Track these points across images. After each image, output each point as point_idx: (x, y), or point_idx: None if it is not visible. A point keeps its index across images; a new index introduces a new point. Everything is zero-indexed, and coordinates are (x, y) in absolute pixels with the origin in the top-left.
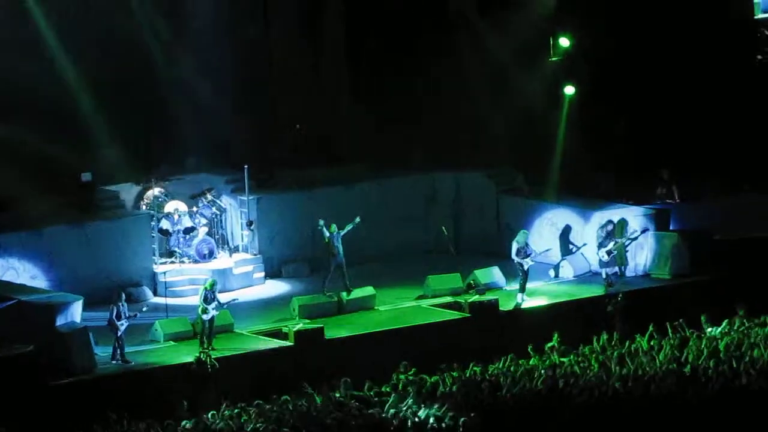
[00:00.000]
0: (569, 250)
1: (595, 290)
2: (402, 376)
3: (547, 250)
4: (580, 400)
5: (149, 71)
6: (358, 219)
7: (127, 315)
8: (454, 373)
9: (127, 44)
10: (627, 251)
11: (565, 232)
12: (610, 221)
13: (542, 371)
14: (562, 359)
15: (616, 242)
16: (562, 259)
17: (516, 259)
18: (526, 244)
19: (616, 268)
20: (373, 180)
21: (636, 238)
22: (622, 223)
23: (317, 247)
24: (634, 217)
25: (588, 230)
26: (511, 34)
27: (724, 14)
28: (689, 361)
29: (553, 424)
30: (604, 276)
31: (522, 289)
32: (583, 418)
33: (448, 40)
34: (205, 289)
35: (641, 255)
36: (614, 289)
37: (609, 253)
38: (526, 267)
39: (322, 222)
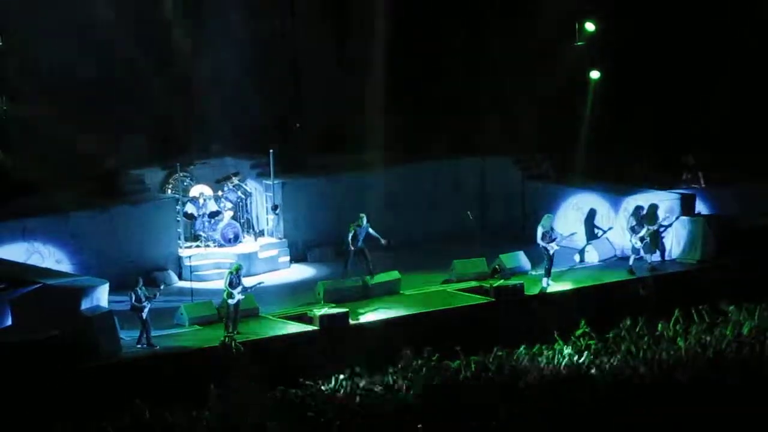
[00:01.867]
0: (594, 234)
1: (621, 275)
2: (425, 360)
3: (572, 234)
4: (604, 385)
5: (175, 57)
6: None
7: (146, 297)
8: (476, 358)
9: (153, 30)
10: (663, 237)
11: (590, 216)
12: (639, 207)
13: (566, 355)
14: (589, 342)
15: (648, 229)
16: (588, 244)
17: (541, 243)
18: (552, 229)
19: (652, 254)
20: (398, 165)
21: (671, 224)
22: (653, 209)
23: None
24: (661, 201)
25: (613, 215)
26: (537, 19)
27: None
28: (712, 345)
29: (576, 408)
30: (631, 262)
31: (547, 274)
32: (606, 402)
33: (475, 26)
34: (231, 273)
35: (667, 240)
36: (641, 274)
37: (642, 239)
38: (551, 251)
39: (364, 217)
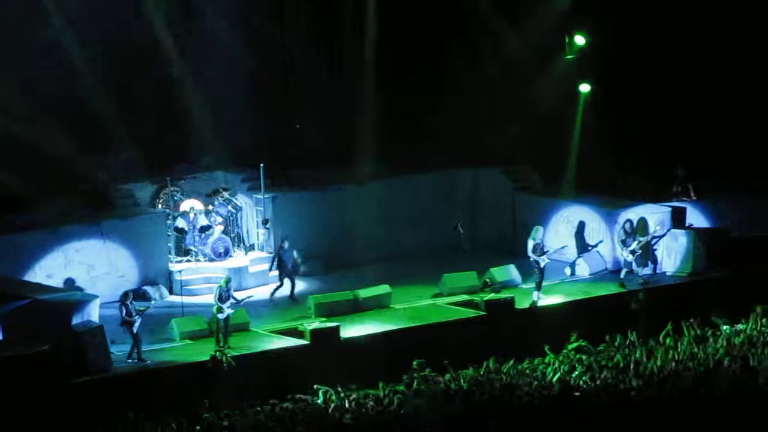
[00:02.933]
0: (585, 247)
1: (612, 288)
2: (416, 375)
3: (563, 248)
4: (596, 399)
5: (164, 71)
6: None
7: (137, 311)
8: (468, 372)
9: (141, 44)
10: (656, 249)
11: (580, 229)
12: (629, 220)
13: (558, 370)
14: (579, 356)
15: (639, 241)
16: (578, 257)
17: (532, 256)
18: (542, 242)
19: (644, 267)
20: (388, 178)
21: (663, 236)
22: (643, 222)
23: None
24: (651, 214)
25: (604, 227)
26: (527, 32)
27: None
28: (703, 359)
29: (568, 422)
30: (622, 275)
31: (538, 287)
32: (598, 416)
33: (466, 39)
34: (220, 286)
35: (658, 253)
36: (632, 287)
37: (633, 252)
38: (542, 264)
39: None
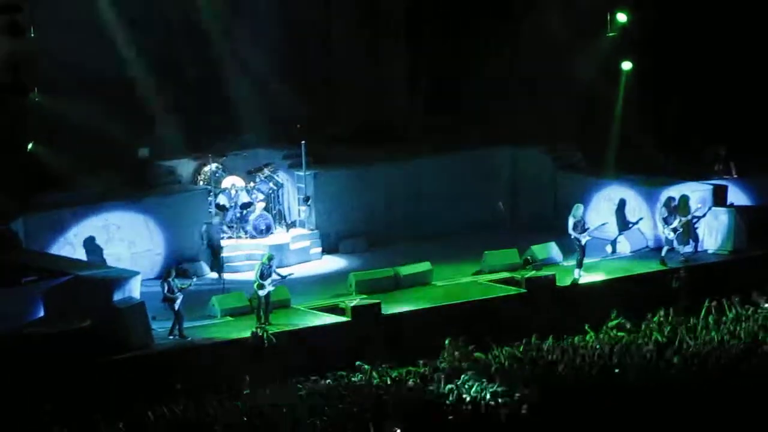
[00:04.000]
0: (626, 225)
1: (653, 266)
2: (458, 352)
3: (604, 225)
4: (637, 377)
5: (207, 47)
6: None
7: (179, 287)
8: (509, 349)
9: (184, 21)
10: (697, 227)
11: (621, 206)
12: (671, 198)
13: (599, 347)
14: (619, 333)
15: (680, 219)
16: (619, 235)
17: (573, 234)
18: (583, 219)
19: (685, 245)
20: (430, 156)
21: (704, 215)
22: (685, 200)
23: None
24: (692, 192)
25: (645, 206)
26: (569, 10)
27: None
28: (744, 337)
29: (609, 399)
30: (663, 253)
31: (579, 265)
32: (638, 394)
33: (507, 18)
34: (262, 263)
35: (699, 231)
36: (673, 265)
37: (674, 230)
38: (583, 242)
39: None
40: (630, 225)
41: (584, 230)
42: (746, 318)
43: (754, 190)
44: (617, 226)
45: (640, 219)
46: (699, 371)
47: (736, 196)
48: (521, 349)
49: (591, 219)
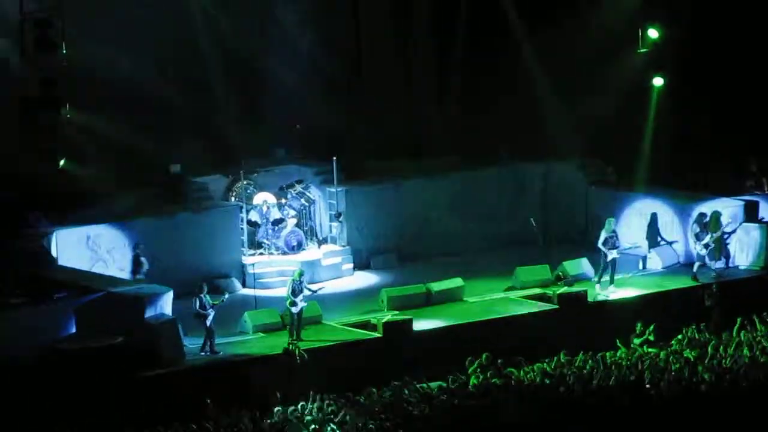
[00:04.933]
0: (657, 241)
1: (684, 282)
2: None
3: (636, 246)
4: (669, 394)
5: (238, 63)
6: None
7: (211, 304)
8: (540, 365)
9: (214, 37)
10: (728, 243)
11: (653, 221)
12: (702, 213)
13: (631, 363)
14: (650, 350)
15: (712, 235)
16: (650, 251)
17: (603, 248)
18: (615, 233)
19: (717, 261)
20: (462, 171)
21: (735, 231)
22: (716, 215)
23: None
24: (724, 208)
25: (677, 221)
26: (600, 26)
27: None
28: None
29: (640, 416)
30: (695, 269)
31: (611, 280)
32: (671, 411)
33: (538, 34)
34: (293, 280)
35: (731, 247)
36: (704, 281)
37: (707, 246)
38: (609, 258)
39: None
40: (662, 242)
41: (615, 247)
42: None
43: None
44: (647, 241)
45: (675, 242)
46: (731, 388)
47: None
48: (552, 366)
49: (622, 233)
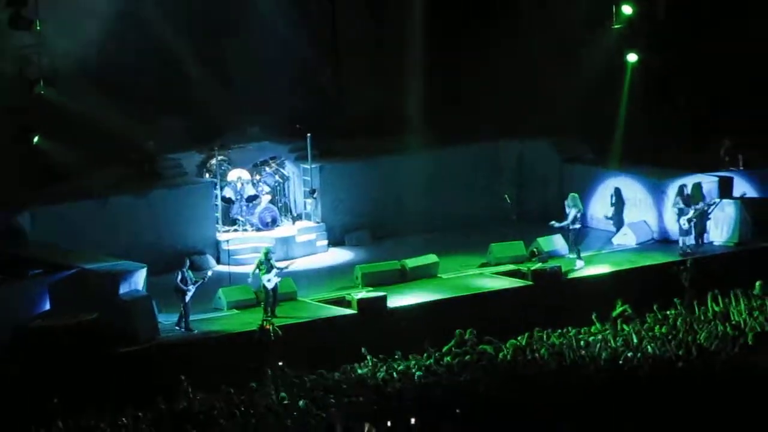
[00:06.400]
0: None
1: (659, 258)
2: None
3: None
4: (642, 369)
5: (213, 40)
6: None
7: (193, 281)
8: (514, 341)
9: (190, 13)
10: (709, 219)
11: (617, 197)
12: (683, 186)
13: (605, 338)
14: (624, 326)
15: (695, 209)
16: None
17: (573, 226)
18: (574, 207)
19: (690, 237)
20: (436, 148)
21: (716, 205)
22: (698, 188)
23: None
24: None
25: (650, 198)
26: (574, 1)
27: None
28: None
29: (616, 392)
30: (681, 244)
31: (579, 255)
32: (647, 387)
33: (511, 11)
34: (260, 259)
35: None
36: (680, 257)
37: (690, 221)
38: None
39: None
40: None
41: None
42: (752, 310)
43: (761, 182)
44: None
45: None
46: (706, 364)
47: (744, 188)
48: (523, 342)
49: (597, 210)
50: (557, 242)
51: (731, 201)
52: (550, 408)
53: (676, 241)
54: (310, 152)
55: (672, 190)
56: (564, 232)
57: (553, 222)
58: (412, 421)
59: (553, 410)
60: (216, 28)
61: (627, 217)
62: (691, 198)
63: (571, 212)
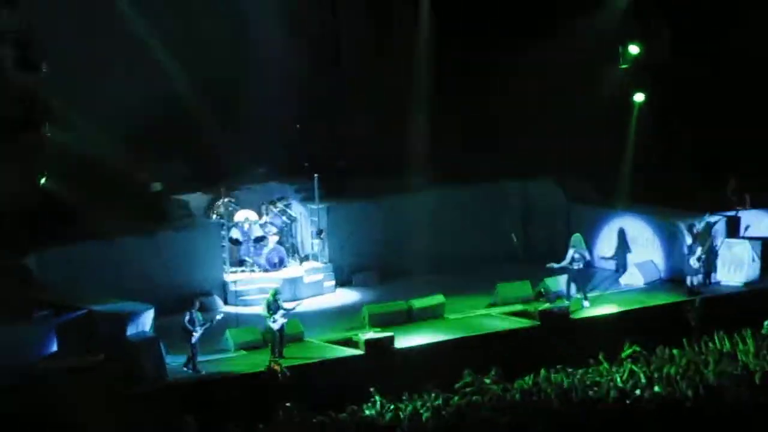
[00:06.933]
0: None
1: (667, 297)
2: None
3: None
4: (650, 408)
5: (219, 83)
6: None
7: (201, 323)
8: (521, 382)
9: (196, 55)
10: (718, 257)
11: (621, 237)
12: (693, 224)
13: (613, 378)
14: (633, 367)
15: (703, 246)
16: (633, 266)
17: (574, 266)
18: (573, 248)
19: (697, 276)
20: (442, 188)
21: (722, 242)
22: (707, 224)
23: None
24: (703, 223)
25: (656, 238)
26: (581, 43)
27: None
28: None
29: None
30: (689, 284)
31: (585, 296)
32: (653, 425)
33: (519, 51)
34: (268, 300)
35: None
36: (687, 296)
37: (699, 259)
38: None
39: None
40: (605, 258)
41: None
42: (759, 349)
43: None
44: (616, 256)
45: (614, 258)
46: (714, 403)
47: (751, 226)
48: (530, 382)
49: (602, 249)
50: (564, 282)
51: (738, 240)
52: None
53: (684, 281)
54: (317, 192)
55: (679, 229)
56: (569, 272)
57: (551, 263)
58: None
59: None
60: (221, 72)
61: (634, 257)
62: (699, 237)
63: (569, 252)
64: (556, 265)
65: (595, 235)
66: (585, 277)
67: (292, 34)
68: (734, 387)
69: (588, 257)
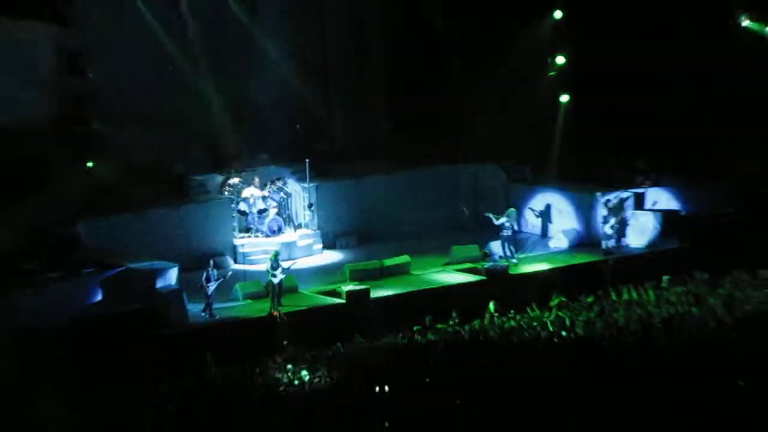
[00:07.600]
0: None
1: (586, 258)
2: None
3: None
4: (572, 344)
5: (231, 84)
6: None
7: (216, 278)
8: (475, 324)
9: (211, 61)
10: (628, 225)
11: (547, 210)
12: (608, 200)
13: (544, 322)
14: (559, 313)
15: (616, 217)
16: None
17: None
18: (507, 219)
19: (612, 240)
20: (408, 171)
21: (632, 215)
22: (621, 200)
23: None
24: (616, 198)
25: (577, 210)
26: (520, 52)
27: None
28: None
29: (549, 365)
30: (604, 246)
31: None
32: (573, 358)
33: (469, 58)
34: (270, 259)
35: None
36: (601, 257)
37: (612, 227)
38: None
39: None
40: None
41: (510, 229)
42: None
43: (667, 196)
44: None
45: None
46: (622, 341)
47: (656, 200)
48: (476, 323)
49: (533, 218)
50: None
51: (643, 212)
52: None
53: (600, 244)
54: (308, 173)
55: (597, 202)
56: (501, 238)
57: (489, 213)
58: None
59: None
60: (233, 73)
61: (560, 225)
62: (613, 209)
63: (503, 219)
64: (491, 216)
65: (528, 208)
66: (513, 242)
67: (291, 56)
68: (638, 327)
69: (516, 228)
